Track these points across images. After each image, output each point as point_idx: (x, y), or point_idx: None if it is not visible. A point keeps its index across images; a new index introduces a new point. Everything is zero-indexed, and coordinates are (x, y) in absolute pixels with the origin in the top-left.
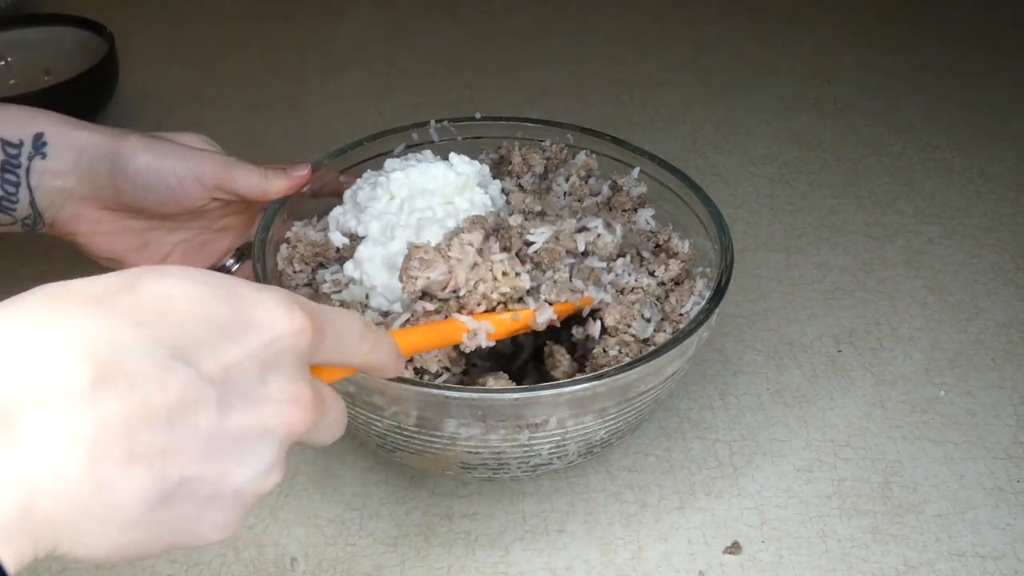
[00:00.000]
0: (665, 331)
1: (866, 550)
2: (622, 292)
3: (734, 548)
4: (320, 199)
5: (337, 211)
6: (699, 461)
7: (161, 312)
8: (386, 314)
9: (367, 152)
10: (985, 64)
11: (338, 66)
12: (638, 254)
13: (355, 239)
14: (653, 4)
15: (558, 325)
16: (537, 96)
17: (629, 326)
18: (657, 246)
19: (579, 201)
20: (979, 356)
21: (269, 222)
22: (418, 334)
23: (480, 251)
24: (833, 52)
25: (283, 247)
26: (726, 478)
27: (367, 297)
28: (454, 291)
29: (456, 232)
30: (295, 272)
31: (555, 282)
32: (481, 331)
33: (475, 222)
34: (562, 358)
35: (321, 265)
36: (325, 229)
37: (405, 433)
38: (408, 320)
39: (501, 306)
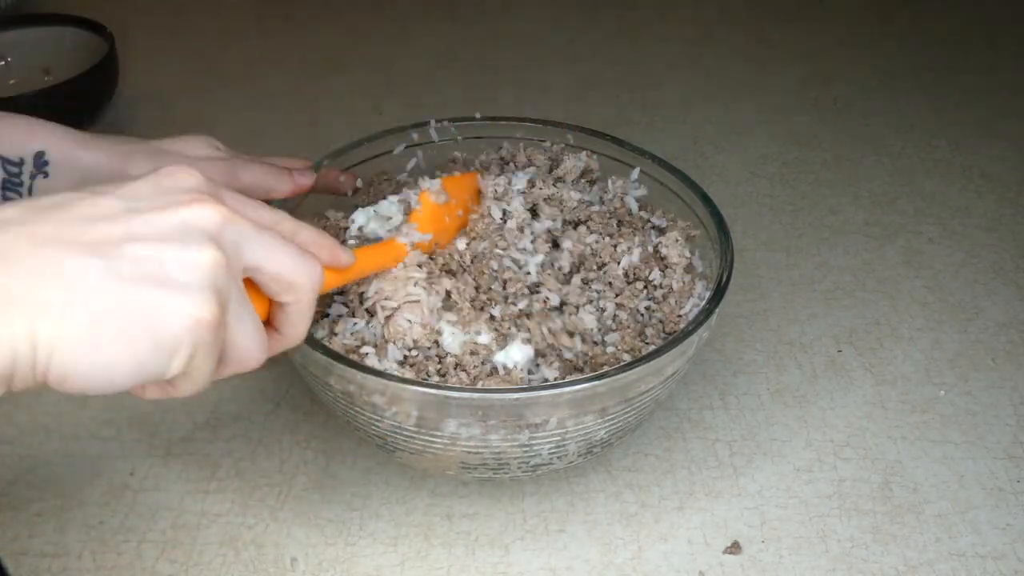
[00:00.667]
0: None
1: (866, 550)
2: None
3: (734, 548)
4: (319, 200)
5: None
6: (699, 461)
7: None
8: None
9: (367, 152)
10: (985, 64)
11: (338, 65)
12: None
13: None
14: (653, 4)
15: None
16: (537, 96)
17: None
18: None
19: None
20: (979, 356)
21: None
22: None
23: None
24: (833, 52)
25: None
26: (726, 478)
27: None
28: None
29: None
30: None
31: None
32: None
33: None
34: None
35: None
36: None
37: (405, 433)
38: None
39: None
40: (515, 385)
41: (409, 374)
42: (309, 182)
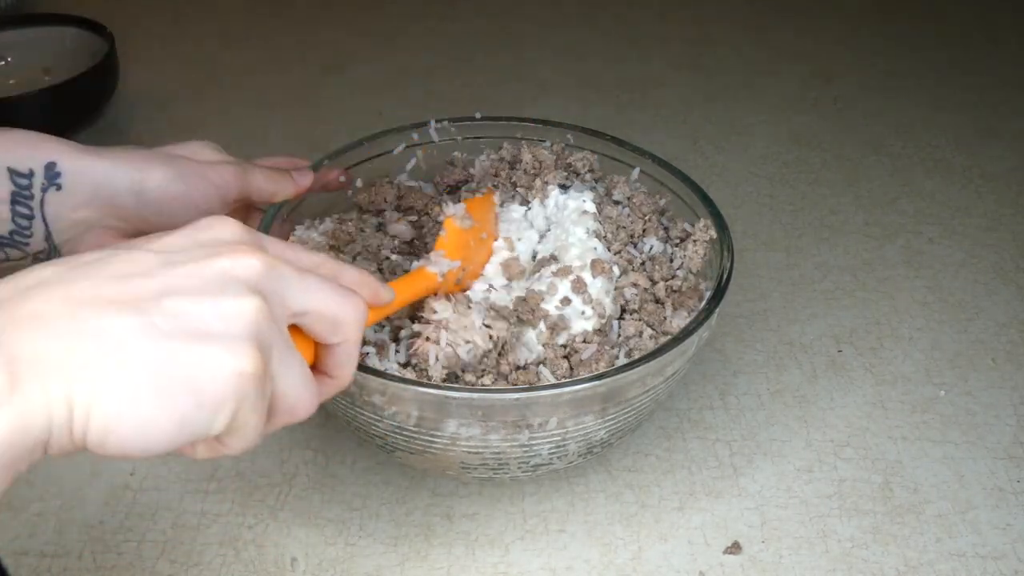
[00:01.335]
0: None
1: (866, 550)
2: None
3: (734, 548)
4: (320, 200)
5: None
6: (699, 461)
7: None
8: None
9: (367, 152)
10: (985, 64)
11: (338, 65)
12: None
13: None
14: (653, 3)
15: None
16: (537, 96)
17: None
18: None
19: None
20: (979, 356)
21: (268, 224)
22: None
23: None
24: (833, 52)
25: None
26: (726, 478)
27: None
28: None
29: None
30: None
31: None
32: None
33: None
34: None
35: None
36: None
37: (405, 433)
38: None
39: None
40: (515, 385)
41: (409, 375)
42: (308, 182)
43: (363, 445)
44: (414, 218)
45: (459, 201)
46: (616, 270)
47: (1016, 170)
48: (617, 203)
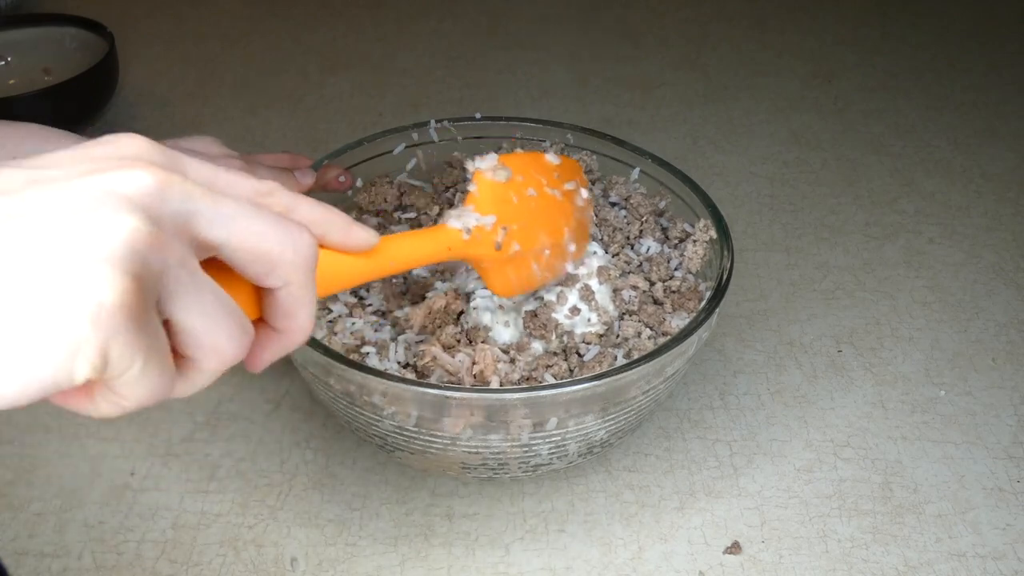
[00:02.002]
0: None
1: (866, 550)
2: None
3: (734, 548)
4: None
5: None
6: (699, 461)
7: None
8: None
9: (367, 152)
10: (985, 64)
11: (338, 66)
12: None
13: None
14: (653, 3)
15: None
16: (537, 96)
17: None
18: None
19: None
20: (979, 356)
21: None
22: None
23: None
24: (833, 52)
25: None
26: (726, 478)
27: None
28: None
29: None
30: None
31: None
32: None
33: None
34: None
35: None
36: None
37: (406, 433)
38: None
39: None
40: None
41: (409, 375)
42: (310, 182)
43: (363, 445)
44: (413, 215)
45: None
46: (614, 272)
47: (1016, 170)
48: (614, 205)
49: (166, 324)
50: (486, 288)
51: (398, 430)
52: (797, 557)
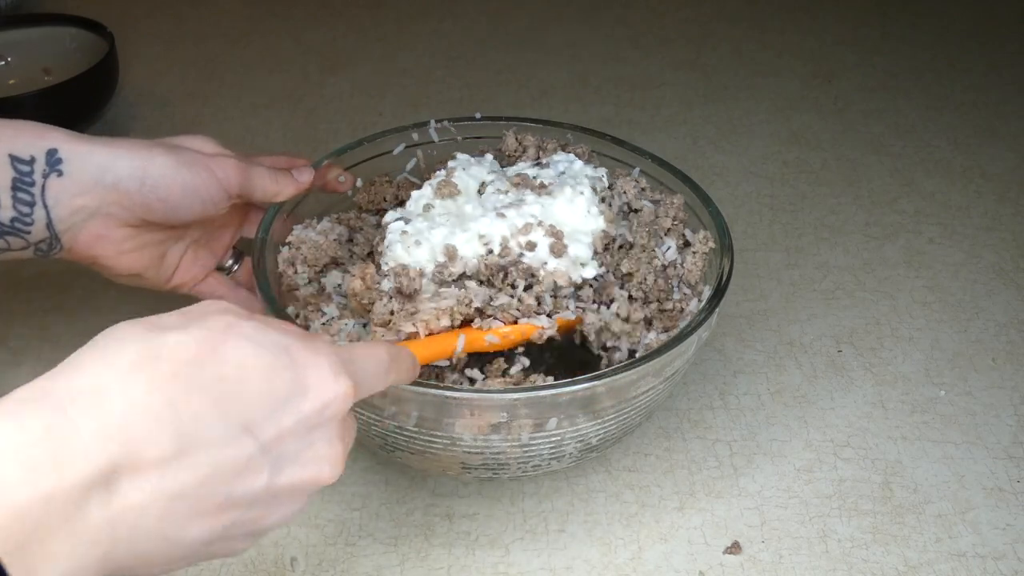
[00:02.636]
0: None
1: (866, 550)
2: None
3: (734, 548)
4: (320, 200)
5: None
6: (699, 461)
7: (238, 383)
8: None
9: (367, 152)
10: (985, 64)
11: (338, 66)
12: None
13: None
14: (653, 4)
15: (558, 338)
16: (537, 96)
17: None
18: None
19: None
20: (979, 356)
21: (269, 223)
22: (434, 343)
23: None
24: (833, 52)
25: (284, 249)
26: (726, 478)
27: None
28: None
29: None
30: (295, 274)
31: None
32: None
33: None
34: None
35: (327, 267)
36: (325, 232)
37: (406, 433)
38: (452, 307)
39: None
40: (515, 385)
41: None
42: (308, 179)
43: (363, 445)
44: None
45: None
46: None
47: (1016, 170)
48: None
49: None
50: None
51: (398, 430)
52: (797, 557)
